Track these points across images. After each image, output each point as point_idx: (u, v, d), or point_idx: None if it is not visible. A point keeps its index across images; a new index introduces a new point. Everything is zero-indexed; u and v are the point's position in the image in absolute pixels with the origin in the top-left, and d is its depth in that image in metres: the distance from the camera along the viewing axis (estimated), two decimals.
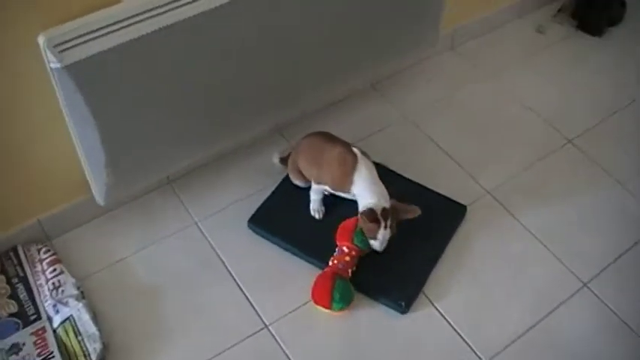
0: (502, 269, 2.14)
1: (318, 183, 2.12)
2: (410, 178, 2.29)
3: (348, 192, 2.05)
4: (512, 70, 2.78)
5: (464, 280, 2.11)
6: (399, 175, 2.24)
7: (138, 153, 1.99)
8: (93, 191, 2.02)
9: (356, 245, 2.04)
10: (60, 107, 1.79)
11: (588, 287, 2.08)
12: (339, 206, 2.16)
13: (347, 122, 2.48)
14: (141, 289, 2.07)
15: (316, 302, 2.01)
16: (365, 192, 2.01)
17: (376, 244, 2.03)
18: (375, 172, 2.04)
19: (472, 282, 2.10)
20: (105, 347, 1.91)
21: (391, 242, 2.06)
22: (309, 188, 2.20)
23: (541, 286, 2.09)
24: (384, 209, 1.98)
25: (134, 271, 2.11)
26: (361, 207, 2.01)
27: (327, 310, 2.00)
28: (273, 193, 2.26)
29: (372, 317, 2.02)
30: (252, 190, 2.30)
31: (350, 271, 2.02)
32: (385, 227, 1.98)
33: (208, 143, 2.16)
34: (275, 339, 1.97)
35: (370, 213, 1.97)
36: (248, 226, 2.19)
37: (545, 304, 2.05)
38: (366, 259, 2.07)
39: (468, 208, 2.25)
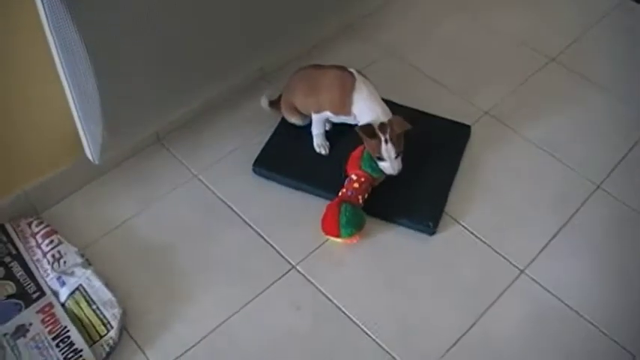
0: (517, 181, 2.06)
1: (318, 111, 1.98)
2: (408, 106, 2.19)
3: (349, 113, 1.91)
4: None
5: (483, 195, 2.02)
6: (397, 104, 2.13)
7: (131, 99, 1.80)
8: (86, 149, 1.81)
9: (364, 171, 1.91)
10: (49, 48, 1.59)
11: (602, 189, 2.04)
12: (344, 139, 2.04)
13: (330, 63, 2.34)
14: (150, 249, 1.88)
15: (326, 233, 1.88)
16: (365, 110, 1.87)
17: (386, 166, 1.89)
18: (375, 91, 1.91)
19: (491, 196, 2.02)
20: (124, 313, 1.71)
21: (404, 168, 1.96)
22: (308, 126, 2.07)
23: (558, 192, 2.03)
24: (381, 124, 1.85)
25: (139, 232, 1.91)
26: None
27: (339, 240, 1.88)
28: (273, 135, 2.11)
29: (399, 243, 1.90)
30: (248, 138, 2.14)
31: (361, 198, 1.89)
32: (386, 141, 1.84)
33: (198, 88, 1.98)
34: (306, 278, 1.82)
35: (367, 128, 1.84)
36: (253, 169, 2.03)
37: (567, 208, 1.99)
38: (382, 187, 1.95)
39: (471, 128, 2.17)
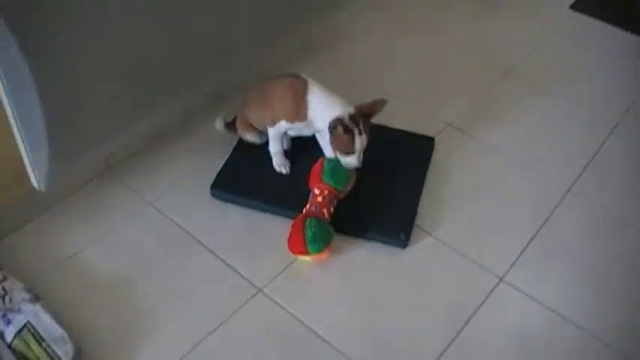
0: (485, 190, 1.98)
1: (274, 124, 1.86)
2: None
3: (305, 118, 1.80)
4: (435, 15, 2.69)
5: (452, 206, 1.92)
6: None
7: (78, 123, 1.66)
8: (31, 176, 1.66)
9: (327, 183, 1.79)
10: None
11: (573, 192, 1.96)
12: (305, 155, 1.92)
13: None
14: (106, 281, 1.71)
15: (294, 252, 1.75)
16: (324, 108, 1.76)
17: (353, 160, 1.77)
18: (328, 90, 1.81)
19: (461, 207, 1.93)
20: (78, 350, 1.54)
21: (370, 182, 1.87)
22: (266, 145, 1.95)
23: (529, 198, 1.95)
24: (350, 115, 1.74)
25: (93, 265, 1.75)
26: (327, 125, 1.76)
27: (308, 258, 1.74)
28: (231, 157, 1.98)
29: (371, 258, 1.78)
30: (203, 162, 2.00)
31: (326, 212, 1.77)
32: (360, 133, 1.73)
33: (147, 110, 1.85)
34: (274, 301, 1.68)
35: (340, 123, 1.72)
36: (211, 192, 1.90)
37: (539, 214, 1.90)
38: (349, 202, 1.84)
39: (435, 140, 2.08)
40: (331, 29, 2.55)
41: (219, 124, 2.06)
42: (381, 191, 1.89)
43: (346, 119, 1.72)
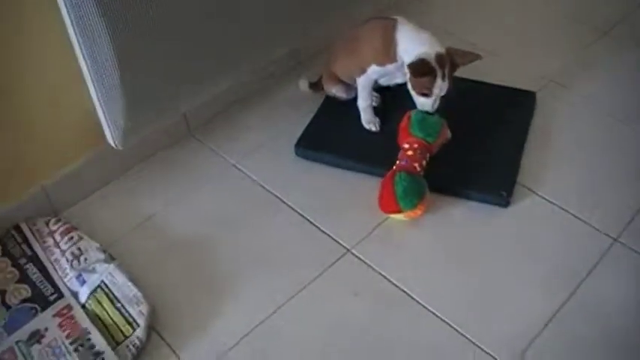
0: (593, 148, 1.76)
1: (363, 71, 1.70)
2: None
3: (396, 59, 1.62)
4: None
5: (558, 164, 1.71)
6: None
7: (154, 76, 1.56)
8: (107, 134, 1.57)
9: (416, 136, 1.62)
10: (65, 29, 1.40)
11: None
12: (394, 115, 1.73)
13: None
14: (185, 242, 1.60)
15: (385, 210, 1.58)
16: (413, 43, 1.59)
17: (427, 103, 1.60)
18: (419, 27, 1.63)
19: (568, 165, 1.71)
20: (152, 311, 1.43)
21: (468, 137, 1.69)
22: (354, 103, 1.80)
23: None
24: (438, 55, 1.55)
25: (172, 226, 1.64)
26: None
27: (401, 216, 1.57)
28: (316, 115, 1.84)
29: (469, 217, 1.59)
30: (287, 124, 1.86)
31: (417, 165, 1.59)
32: (443, 77, 1.55)
33: (228, 67, 1.73)
34: (363, 261, 1.52)
35: (420, 63, 1.54)
36: (295, 151, 1.76)
37: None
38: (442, 158, 1.65)
39: (537, 95, 1.88)
40: None
41: (303, 85, 1.93)
42: (479, 147, 1.70)
43: (432, 58, 1.55)
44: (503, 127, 1.76)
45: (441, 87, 1.57)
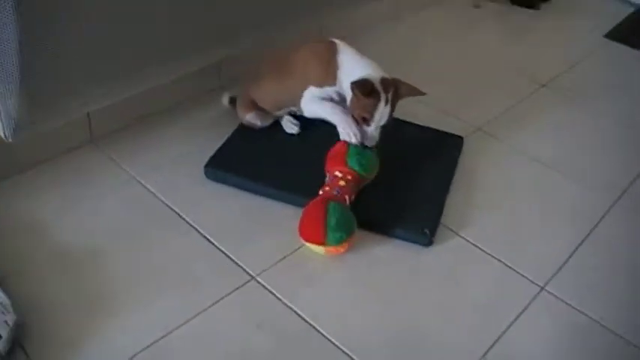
0: (519, 193, 1.69)
1: (298, 95, 1.58)
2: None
3: (335, 81, 1.53)
4: (462, 30, 2.44)
5: (483, 207, 1.61)
6: None
7: (58, 67, 1.39)
8: None
9: (351, 167, 1.49)
10: None
11: (619, 205, 1.66)
12: (315, 143, 1.60)
13: None
14: (70, 253, 1.39)
15: (307, 239, 1.42)
16: (355, 67, 1.49)
17: (368, 130, 1.49)
18: (361, 53, 1.55)
19: (493, 208, 1.62)
20: (19, 323, 1.20)
21: (392, 173, 1.58)
22: (268, 128, 1.69)
23: (568, 204, 1.65)
24: (383, 79, 1.47)
25: (58, 234, 1.43)
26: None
27: (322, 249, 1.41)
28: (230, 138, 1.69)
29: (391, 254, 1.46)
30: (199, 142, 1.70)
31: (348, 198, 1.46)
32: (386, 102, 1.45)
33: (142, 72, 1.55)
34: (269, 291, 1.35)
35: (365, 82, 1.45)
36: (205, 172, 1.59)
37: (584, 222, 1.59)
38: (367, 195, 1.52)
39: (464, 140, 1.80)
40: (350, 23, 2.26)
41: (224, 99, 1.79)
42: (404, 185, 1.59)
43: (377, 81, 1.45)
44: (429, 166, 1.66)
45: (382, 113, 1.47)
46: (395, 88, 1.47)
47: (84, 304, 1.29)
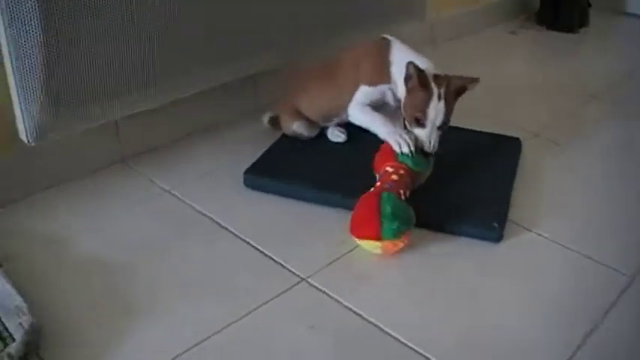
0: (589, 185, 1.53)
1: (348, 97, 1.46)
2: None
3: (390, 79, 1.40)
4: (499, 54, 2.33)
5: (550, 202, 1.45)
6: None
7: (83, 73, 1.30)
8: (20, 126, 1.26)
9: (403, 162, 1.34)
10: None
11: None
12: (363, 144, 1.45)
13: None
14: (97, 263, 1.23)
15: (360, 235, 1.25)
16: (409, 60, 1.35)
17: (423, 134, 1.34)
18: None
19: (561, 203, 1.45)
20: (35, 325, 1.04)
21: (451, 175, 1.43)
22: (314, 139, 1.56)
23: None
24: (436, 75, 1.34)
25: (86, 249, 1.27)
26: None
27: (378, 245, 1.23)
28: (272, 146, 1.56)
29: (456, 253, 1.28)
30: (233, 159, 1.56)
31: (402, 193, 1.29)
32: (439, 97, 1.31)
33: (161, 85, 1.45)
34: (321, 291, 1.17)
35: (419, 73, 1.31)
36: (244, 180, 1.45)
37: None
38: (426, 192, 1.36)
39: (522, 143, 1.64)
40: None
41: (265, 118, 1.67)
42: (465, 184, 1.44)
43: (429, 76, 1.33)
44: (490, 166, 1.51)
45: (437, 109, 1.32)
46: (447, 83, 1.34)
47: (108, 313, 1.12)
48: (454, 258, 1.27)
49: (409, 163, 1.34)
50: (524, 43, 2.51)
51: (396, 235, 1.22)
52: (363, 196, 1.28)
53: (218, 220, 1.35)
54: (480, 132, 1.66)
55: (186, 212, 1.39)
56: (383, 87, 1.42)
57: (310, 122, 1.57)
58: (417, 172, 1.35)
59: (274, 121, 1.65)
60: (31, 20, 1.20)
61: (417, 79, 1.31)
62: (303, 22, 1.70)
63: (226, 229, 1.33)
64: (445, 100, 1.33)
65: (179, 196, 1.43)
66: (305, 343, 1.07)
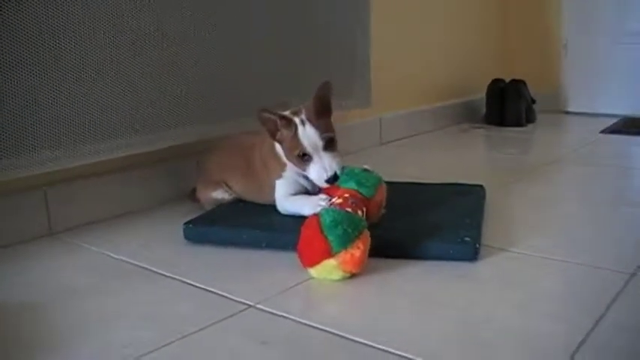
0: (556, 204, 1.42)
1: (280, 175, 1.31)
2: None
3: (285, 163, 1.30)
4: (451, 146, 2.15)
5: (523, 225, 1.32)
6: (393, 182, 1.36)
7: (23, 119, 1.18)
8: None
9: (346, 188, 1.17)
10: None
11: None
12: None
13: None
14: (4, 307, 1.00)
15: (310, 261, 1.06)
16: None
17: (316, 168, 1.20)
18: None
19: (535, 224, 1.33)
20: None
21: (419, 207, 1.30)
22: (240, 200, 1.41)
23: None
24: (293, 111, 1.24)
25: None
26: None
27: (334, 264, 1.03)
28: (210, 210, 1.38)
29: (429, 274, 1.08)
30: (167, 229, 1.34)
31: (352, 210, 1.10)
32: (303, 123, 1.21)
33: (79, 144, 1.30)
34: (272, 313, 0.95)
35: (266, 115, 1.23)
36: (184, 232, 1.25)
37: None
38: (389, 220, 1.21)
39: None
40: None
41: (188, 195, 1.52)
42: (433, 214, 1.28)
43: (281, 113, 1.24)
44: (457, 202, 1.36)
45: (308, 134, 1.20)
46: (304, 107, 1.24)
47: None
48: (430, 280, 1.06)
49: (354, 186, 1.17)
50: (475, 137, 2.47)
51: (345, 242, 1.04)
52: (304, 222, 1.10)
53: (155, 269, 1.14)
54: (444, 183, 1.52)
55: (111, 263, 1.17)
56: (288, 173, 1.30)
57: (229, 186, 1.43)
58: (365, 196, 1.16)
59: (192, 196, 1.49)
60: None
61: (269, 121, 1.22)
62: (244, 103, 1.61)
63: (164, 275, 1.11)
64: (310, 122, 1.21)
65: (111, 254, 1.21)
66: (257, 357, 0.83)
